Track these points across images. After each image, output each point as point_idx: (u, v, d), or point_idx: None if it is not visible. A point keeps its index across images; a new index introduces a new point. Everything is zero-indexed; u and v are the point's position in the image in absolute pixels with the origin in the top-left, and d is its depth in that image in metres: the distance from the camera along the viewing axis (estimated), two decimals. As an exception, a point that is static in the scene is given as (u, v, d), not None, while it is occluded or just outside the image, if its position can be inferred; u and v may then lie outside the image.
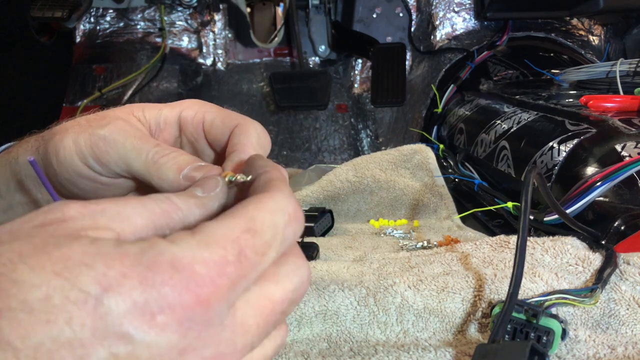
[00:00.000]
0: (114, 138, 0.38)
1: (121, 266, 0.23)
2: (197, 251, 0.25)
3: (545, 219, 0.69)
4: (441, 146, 1.14)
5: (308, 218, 0.83)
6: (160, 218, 0.28)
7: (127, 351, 0.22)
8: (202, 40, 1.56)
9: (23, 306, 0.22)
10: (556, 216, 0.67)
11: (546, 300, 0.47)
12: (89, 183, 0.40)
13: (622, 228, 0.64)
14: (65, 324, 0.22)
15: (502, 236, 0.62)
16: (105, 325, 0.22)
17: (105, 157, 0.39)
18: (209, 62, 1.56)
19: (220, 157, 0.41)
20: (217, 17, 1.54)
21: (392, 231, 0.83)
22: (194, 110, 0.42)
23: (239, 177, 0.33)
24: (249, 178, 0.33)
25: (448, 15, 1.43)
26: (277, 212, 0.28)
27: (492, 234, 0.79)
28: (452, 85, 1.36)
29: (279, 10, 1.63)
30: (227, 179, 0.34)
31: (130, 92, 1.50)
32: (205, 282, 0.24)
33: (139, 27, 1.54)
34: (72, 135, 0.40)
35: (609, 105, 0.86)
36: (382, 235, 0.82)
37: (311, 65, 1.58)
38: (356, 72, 1.56)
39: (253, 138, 0.39)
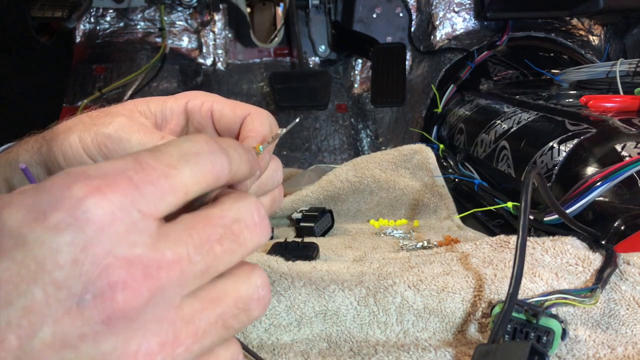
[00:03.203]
0: (119, 136, 0.39)
1: (20, 190, 0.24)
2: (96, 165, 0.24)
3: (545, 219, 0.69)
4: (441, 146, 1.14)
5: (308, 218, 0.83)
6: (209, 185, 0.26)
7: (25, 254, 0.22)
8: (202, 40, 1.56)
9: None
10: (556, 216, 0.67)
11: (546, 300, 0.47)
12: None
13: (622, 228, 0.64)
14: None
15: (502, 236, 0.62)
16: (1, 235, 0.23)
17: (113, 155, 0.39)
18: (209, 62, 1.56)
19: None
20: (217, 17, 1.54)
21: (392, 231, 0.83)
22: (201, 100, 0.42)
23: (269, 139, 0.34)
24: (282, 130, 0.33)
25: (448, 15, 1.43)
26: (185, 141, 0.26)
27: (492, 234, 0.79)
28: (452, 85, 1.36)
29: (279, 10, 1.63)
30: (259, 149, 0.34)
31: (130, 92, 1.50)
32: (97, 176, 0.23)
33: (139, 27, 1.54)
34: (77, 134, 0.40)
35: (609, 105, 0.86)
36: (382, 235, 0.82)
37: (311, 65, 1.58)
38: (356, 72, 1.56)
39: (266, 126, 0.39)
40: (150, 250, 0.23)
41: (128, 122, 0.39)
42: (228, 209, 0.26)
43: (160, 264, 0.23)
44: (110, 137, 0.39)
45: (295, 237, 0.82)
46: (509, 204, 0.79)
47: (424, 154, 0.98)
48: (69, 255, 0.22)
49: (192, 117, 0.42)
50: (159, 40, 1.53)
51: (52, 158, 0.41)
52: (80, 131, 0.40)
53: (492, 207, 0.84)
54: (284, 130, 0.35)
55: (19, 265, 0.22)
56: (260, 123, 0.39)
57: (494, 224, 0.85)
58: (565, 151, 0.76)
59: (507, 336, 0.44)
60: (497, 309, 0.46)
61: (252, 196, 0.27)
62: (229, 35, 1.57)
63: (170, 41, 1.54)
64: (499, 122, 1.01)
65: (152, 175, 0.24)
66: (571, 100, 1.00)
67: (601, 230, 0.63)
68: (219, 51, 1.56)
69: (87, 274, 0.22)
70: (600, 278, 0.51)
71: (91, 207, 0.23)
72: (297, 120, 0.36)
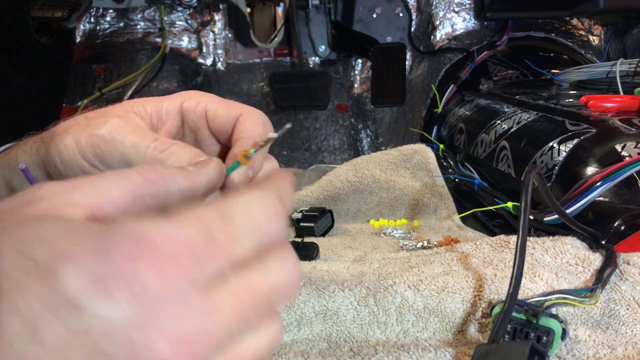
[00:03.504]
0: (112, 137, 0.39)
1: (78, 240, 0.23)
2: (161, 228, 0.24)
3: (545, 219, 0.69)
4: (441, 146, 1.14)
5: (308, 218, 0.83)
6: (140, 186, 0.28)
7: (79, 323, 0.22)
8: (202, 40, 1.56)
9: None
10: (556, 216, 0.67)
11: (546, 300, 0.47)
12: None
13: (622, 228, 0.64)
14: (17, 295, 0.22)
15: (502, 236, 0.62)
16: (58, 297, 0.22)
17: (107, 157, 0.39)
18: (209, 62, 1.56)
19: (223, 147, 0.42)
20: (217, 17, 1.54)
21: (392, 231, 0.83)
22: (196, 101, 0.42)
23: (261, 143, 0.34)
24: (274, 135, 0.33)
25: (448, 15, 1.43)
26: (256, 205, 0.27)
27: (492, 234, 0.79)
28: (452, 85, 1.36)
29: (279, 10, 1.63)
30: (250, 153, 0.34)
31: (130, 92, 1.50)
32: (165, 256, 0.24)
33: (139, 27, 1.54)
34: (72, 135, 0.40)
35: (609, 105, 0.86)
36: (382, 235, 0.82)
37: (311, 65, 1.58)
38: (356, 72, 1.56)
39: (259, 126, 0.39)
40: (197, 326, 0.24)
41: (122, 123, 0.39)
42: (274, 274, 0.27)
43: (203, 339, 0.24)
44: (104, 138, 0.39)
45: (295, 237, 0.82)
46: (509, 204, 0.79)
47: (424, 154, 0.98)
48: (124, 334, 0.22)
49: (187, 117, 0.42)
50: (159, 40, 1.53)
51: (49, 160, 0.41)
52: (76, 133, 0.40)
53: (492, 207, 0.84)
54: (276, 134, 0.35)
55: (71, 334, 0.22)
56: (253, 123, 0.39)
57: (494, 224, 0.85)
58: (565, 151, 0.76)
59: (507, 336, 0.44)
60: (497, 309, 0.46)
61: (293, 253, 0.28)
62: (229, 35, 1.57)
63: (170, 41, 1.54)
64: (499, 122, 1.01)
65: (216, 251, 0.25)
66: (571, 100, 1.00)
67: (601, 230, 0.63)
68: (219, 51, 1.56)
69: (137, 353, 0.23)
70: (600, 278, 0.51)
71: (153, 289, 0.23)
72: (289, 125, 0.35)
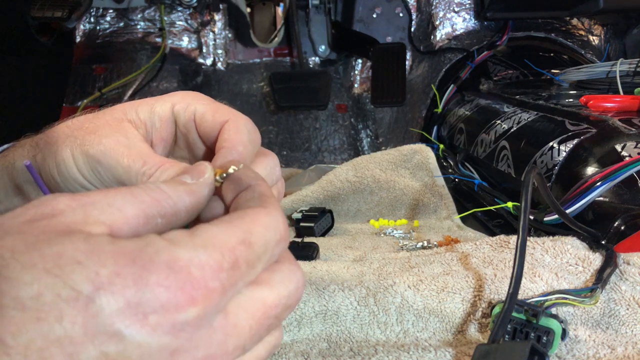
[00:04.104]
0: (107, 162, 0.39)
1: (115, 265, 0.23)
2: (194, 253, 0.25)
3: (545, 219, 0.69)
4: (441, 146, 1.14)
5: (308, 218, 0.83)
6: (151, 207, 0.28)
7: (117, 350, 0.22)
8: (202, 40, 1.56)
9: (15, 303, 0.22)
10: (556, 216, 0.66)
11: (546, 300, 0.47)
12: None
13: (622, 228, 0.64)
14: (56, 321, 0.22)
15: (502, 236, 0.62)
16: (96, 323, 0.22)
17: (103, 177, 0.40)
18: (209, 62, 1.56)
19: (210, 151, 0.41)
20: (217, 17, 1.54)
21: (392, 231, 0.83)
22: (186, 103, 0.42)
23: (230, 170, 0.34)
24: (240, 166, 0.34)
25: (448, 15, 1.43)
26: (271, 230, 0.29)
27: (492, 234, 0.79)
28: (452, 85, 1.36)
29: (279, 10, 1.63)
30: (218, 177, 0.34)
31: (130, 92, 1.50)
32: (200, 284, 0.24)
33: (139, 27, 1.54)
34: (68, 149, 0.40)
35: (609, 105, 0.86)
36: (382, 235, 0.82)
37: (311, 65, 1.58)
38: (356, 72, 1.56)
39: (243, 134, 0.39)
40: (220, 347, 0.26)
41: (114, 145, 0.39)
42: (283, 287, 0.29)
43: (223, 357, 0.26)
44: (100, 162, 0.39)
45: (295, 237, 0.82)
46: (509, 204, 0.79)
47: (424, 154, 0.98)
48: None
49: (178, 120, 0.42)
50: (159, 40, 1.53)
51: (46, 170, 0.41)
52: (72, 148, 0.40)
53: (492, 207, 0.84)
54: (240, 167, 0.34)
55: None
56: (237, 131, 0.39)
57: (494, 224, 0.85)
58: (565, 151, 0.76)
59: (507, 336, 0.44)
60: (497, 309, 0.46)
61: (300, 271, 0.30)
62: (229, 35, 1.57)
63: (170, 41, 1.54)
64: (499, 122, 1.01)
65: (238, 278, 0.26)
66: (571, 100, 1.00)
67: (601, 230, 0.63)
68: (219, 51, 1.56)
69: None
70: (600, 278, 0.51)
71: (189, 315, 0.24)
72: (235, 168, 0.35)
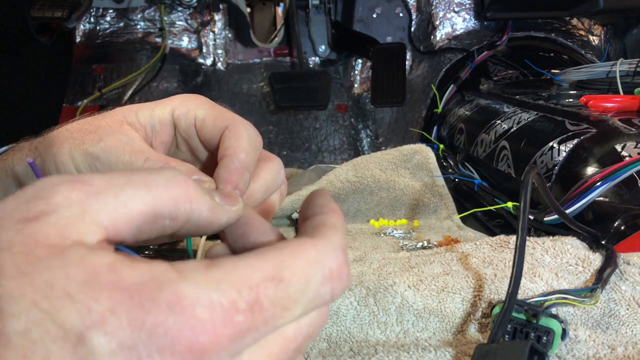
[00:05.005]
0: (107, 159, 0.38)
1: (109, 300, 0.21)
2: (204, 290, 0.22)
3: (545, 219, 0.69)
4: (441, 146, 1.14)
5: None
6: (165, 206, 0.25)
7: None
8: (202, 40, 1.56)
9: (1, 338, 0.20)
10: (556, 216, 0.66)
11: (546, 300, 0.47)
12: None
13: (622, 228, 0.64)
14: None
15: (502, 236, 0.62)
16: None
17: None
18: (209, 62, 1.56)
19: (213, 156, 0.41)
20: (217, 17, 1.54)
21: (392, 231, 0.83)
22: (186, 108, 0.41)
23: (293, 215, 0.33)
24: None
25: (448, 15, 1.43)
26: (315, 264, 0.24)
27: (492, 234, 0.79)
28: (452, 85, 1.36)
29: (279, 10, 1.63)
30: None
31: (130, 92, 1.50)
32: (204, 329, 0.21)
33: (139, 27, 1.54)
34: (67, 151, 0.39)
35: (609, 105, 0.86)
36: (382, 235, 0.82)
37: (311, 65, 1.58)
38: (356, 72, 1.56)
39: (244, 141, 0.38)
40: None
41: (115, 143, 0.39)
42: (305, 327, 0.25)
43: None
44: (99, 159, 0.38)
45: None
46: (509, 204, 0.79)
47: (424, 154, 0.98)
48: None
49: (178, 125, 0.42)
50: (159, 40, 1.53)
51: (46, 173, 0.40)
52: (71, 149, 0.39)
53: (492, 207, 0.84)
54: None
55: None
56: (237, 137, 0.38)
57: (494, 224, 0.85)
58: (565, 151, 0.76)
59: (507, 336, 0.44)
60: (497, 309, 0.46)
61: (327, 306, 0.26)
62: (229, 35, 1.57)
63: (170, 41, 1.54)
64: (499, 122, 1.01)
65: (260, 322, 0.23)
66: (571, 100, 1.00)
67: (601, 230, 0.63)
68: (219, 51, 1.56)
69: None
70: (600, 278, 0.51)
71: (200, 355, 0.21)
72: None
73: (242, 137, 0.38)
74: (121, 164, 0.38)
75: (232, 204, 0.29)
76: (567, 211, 0.66)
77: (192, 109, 0.41)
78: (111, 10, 1.52)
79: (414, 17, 1.48)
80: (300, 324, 0.25)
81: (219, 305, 0.22)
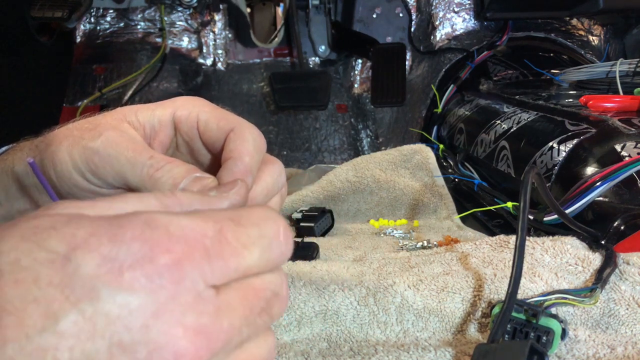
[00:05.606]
0: (107, 152, 0.38)
1: (91, 226, 0.23)
2: (175, 217, 0.25)
3: (545, 219, 0.69)
4: (441, 146, 1.14)
5: (308, 218, 0.83)
6: (155, 209, 0.27)
7: (95, 309, 0.22)
8: (202, 40, 1.56)
9: None
10: (556, 216, 0.67)
11: (546, 300, 0.47)
12: (90, 195, 0.40)
13: (622, 228, 0.64)
14: (33, 282, 0.22)
15: (502, 236, 0.62)
16: (73, 282, 0.22)
17: (101, 172, 0.39)
18: (209, 62, 1.56)
19: (215, 159, 0.41)
20: (217, 17, 1.54)
21: (392, 231, 0.83)
22: (188, 110, 0.41)
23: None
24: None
25: (448, 16, 1.43)
26: (267, 220, 0.27)
27: (492, 234, 0.79)
28: (452, 85, 1.36)
29: (279, 10, 1.63)
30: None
31: (130, 92, 1.50)
32: (179, 241, 0.24)
33: (139, 27, 1.54)
34: (66, 148, 0.39)
35: (608, 105, 0.86)
36: (382, 235, 0.82)
37: (311, 65, 1.58)
38: (356, 72, 1.56)
39: (249, 144, 0.38)
40: (213, 321, 0.24)
41: (116, 137, 0.39)
42: (269, 280, 0.27)
43: (219, 335, 0.24)
44: (98, 153, 0.38)
45: (295, 237, 0.82)
46: (509, 204, 0.79)
47: (424, 154, 0.98)
48: (140, 320, 0.22)
49: (180, 127, 0.41)
50: (159, 40, 1.54)
51: (44, 172, 0.40)
52: (70, 145, 0.39)
53: (492, 207, 0.84)
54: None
55: (87, 321, 0.22)
56: (243, 140, 0.38)
57: (493, 224, 0.85)
58: (565, 151, 0.76)
59: (506, 336, 0.44)
60: (496, 309, 0.46)
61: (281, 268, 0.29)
62: (229, 35, 1.57)
63: (170, 41, 1.54)
64: (498, 122, 1.01)
65: (226, 251, 0.25)
66: (571, 100, 1.00)
67: (601, 230, 0.63)
68: (219, 51, 1.56)
69: (155, 341, 0.22)
70: (600, 278, 0.51)
71: (167, 274, 0.23)
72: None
73: (247, 140, 0.38)
74: (123, 159, 0.38)
75: (227, 189, 0.31)
76: (567, 211, 0.66)
77: (194, 111, 0.41)
78: (111, 10, 1.52)
79: (414, 17, 1.48)
80: (264, 279, 0.27)
81: (190, 228, 0.24)
